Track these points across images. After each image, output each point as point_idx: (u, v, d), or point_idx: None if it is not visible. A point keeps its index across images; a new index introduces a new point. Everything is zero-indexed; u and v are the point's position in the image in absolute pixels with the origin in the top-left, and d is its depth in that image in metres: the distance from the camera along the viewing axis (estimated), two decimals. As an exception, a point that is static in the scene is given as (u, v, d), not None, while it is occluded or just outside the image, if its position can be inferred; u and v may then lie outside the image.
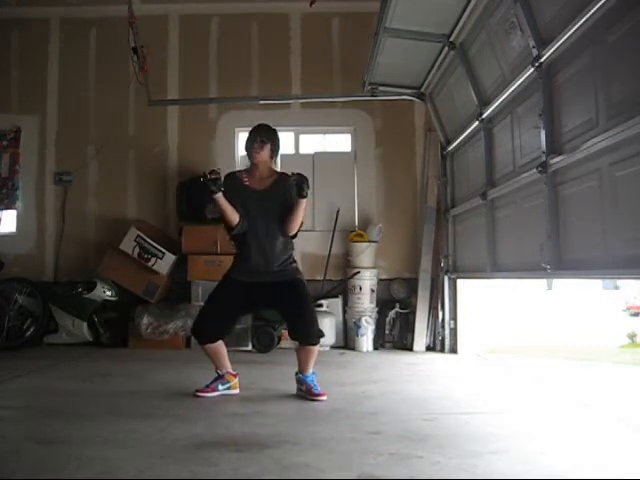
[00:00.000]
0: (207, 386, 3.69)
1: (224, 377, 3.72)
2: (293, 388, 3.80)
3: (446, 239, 6.08)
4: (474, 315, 5.83)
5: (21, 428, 2.87)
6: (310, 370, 3.71)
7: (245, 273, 3.67)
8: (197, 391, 3.66)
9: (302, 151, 6.87)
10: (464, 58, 4.78)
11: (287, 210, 3.61)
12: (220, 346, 3.71)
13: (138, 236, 6.06)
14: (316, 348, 3.72)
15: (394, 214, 6.64)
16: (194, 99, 6.68)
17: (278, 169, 3.87)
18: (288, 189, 3.58)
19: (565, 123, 3.39)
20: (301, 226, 3.72)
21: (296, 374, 3.76)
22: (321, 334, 3.73)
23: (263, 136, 3.66)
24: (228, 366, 3.75)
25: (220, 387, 3.70)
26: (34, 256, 6.66)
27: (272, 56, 6.77)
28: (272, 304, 3.81)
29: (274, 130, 3.75)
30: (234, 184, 3.67)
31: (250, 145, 3.67)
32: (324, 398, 3.56)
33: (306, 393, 3.63)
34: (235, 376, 3.78)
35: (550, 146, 3.50)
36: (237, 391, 3.76)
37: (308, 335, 3.65)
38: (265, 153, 3.66)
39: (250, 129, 3.74)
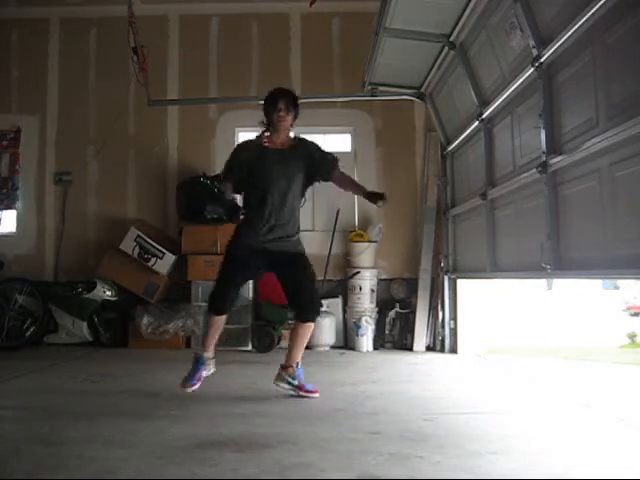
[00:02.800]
0: (192, 378, 3.53)
1: (206, 362, 3.60)
2: (293, 388, 3.82)
3: (446, 239, 6.08)
4: (474, 315, 5.83)
5: (21, 428, 2.87)
6: (299, 358, 3.63)
7: (254, 236, 3.58)
8: (185, 387, 3.51)
9: (302, 151, 6.86)
10: (464, 58, 4.78)
11: (308, 177, 3.67)
12: (223, 321, 3.66)
13: (138, 236, 6.07)
14: (311, 327, 3.64)
15: (394, 214, 6.63)
16: (194, 99, 6.68)
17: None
18: (310, 151, 3.69)
19: (565, 123, 3.39)
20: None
21: (285, 367, 3.62)
22: (319, 308, 3.71)
23: (289, 104, 3.65)
24: (213, 347, 3.67)
25: (204, 374, 3.58)
26: (34, 256, 6.66)
27: (272, 56, 6.77)
28: (275, 271, 3.69)
29: (296, 97, 3.73)
30: (249, 149, 3.71)
31: (275, 112, 3.62)
32: (317, 395, 3.57)
33: (298, 389, 3.58)
34: (214, 358, 3.67)
35: (550, 146, 3.50)
36: (213, 370, 3.64)
37: (308, 309, 3.61)
38: (289, 120, 3.67)
39: (271, 92, 3.69)
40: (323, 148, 3.81)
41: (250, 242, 3.58)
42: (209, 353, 3.63)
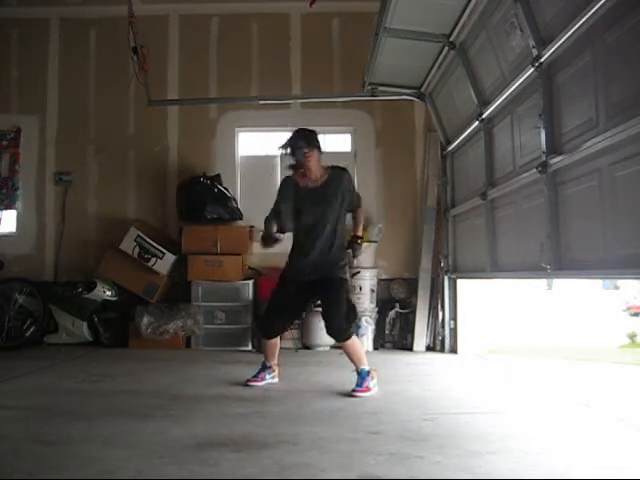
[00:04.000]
0: (256, 376, 4.06)
1: (271, 368, 4.11)
2: (293, 388, 3.84)
3: (446, 239, 6.07)
4: (474, 315, 5.83)
5: (21, 428, 2.87)
6: (361, 365, 3.82)
7: (298, 272, 3.93)
8: (248, 381, 4.02)
9: (302, 151, 6.86)
10: (464, 58, 4.78)
11: (343, 204, 3.93)
12: (277, 341, 4.11)
13: (138, 236, 6.06)
14: (348, 343, 3.83)
15: (394, 214, 6.64)
16: (194, 99, 6.67)
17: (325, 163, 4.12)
18: (342, 184, 3.95)
19: (565, 123, 3.39)
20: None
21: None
22: (345, 330, 3.82)
23: (310, 145, 3.91)
24: (276, 358, 4.14)
25: (267, 377, 4.08)
26: (34, 256, 6.65)
27: (272, 56, 6.77)
28: (318, 296, 4.03)
29: (314, 133, 4.01)
30: (289, 187, 4.03)
31: (299, 153, 3.90)
32: (360, 394, 3.68)
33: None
34: (278, 366, 4.18)
35: (550, 146, 3.50)
36: (277, 380, 4.12)
37: (333, 333, 3.86)
38: (314, 158, 3.93)
39: (292, 133, 4.00)
40: (352, 186, 4.09)
41: (295, 277, 3.93)
42: (274, 362, 4.13)
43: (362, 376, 3.78)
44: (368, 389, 3.74)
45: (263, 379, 4.05)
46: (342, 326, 3.80)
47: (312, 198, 3.90)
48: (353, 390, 3.71)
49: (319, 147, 3.96)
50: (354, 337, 3.87)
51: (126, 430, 2.79)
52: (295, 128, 4.09)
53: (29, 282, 6.03)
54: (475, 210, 5.19)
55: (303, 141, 3.89)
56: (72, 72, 6.83)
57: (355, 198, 4.07)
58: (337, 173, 4.00)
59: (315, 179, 3.96)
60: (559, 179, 3.48)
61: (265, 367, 4.09)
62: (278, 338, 4.11)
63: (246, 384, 3.98)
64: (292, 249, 4.04)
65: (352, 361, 3.86)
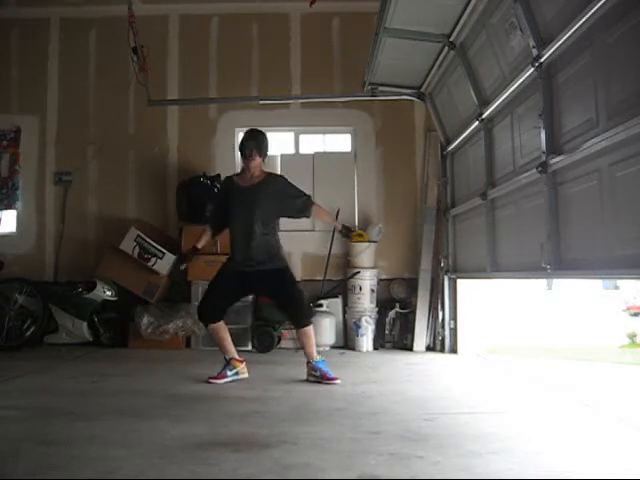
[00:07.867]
0: (218, 373, 4.06)
1: (230, 363, 4.10)
2: (293, 388, 3.82)
3: (446, 239, 6.07)
4: (474, 315, 5.83)
5: (21, 428, 2.87)
6: (315, 355, 4.14)
7: (234, 262, 4.19)
8: (209, 378, 4.02)
9: (302, 151, 6.87)
10: (464, 58, 4.78)
11: (275, 206, 4.17)
12: (223, 330, 4.14)
13: (138, 236, 6.06)
14: (309, 329, 4.13)
15: (394, 214, 6.64)
16: (194, 99, 6.67)
17: (267, 169, 4.42)
18: (277, 188, 4.19)
19: (565, 123, 3.39)
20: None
21: (307, 363, 4.15)
22: (309, 315, 4.21)
23: (253, 147, 4.16)
24: (233, 352, 4.15)
25: (229, 373, 4.07)
26: (34, 256, 6.65)
27: (272, 56, 6.77)
28: (264, 291, 4.38)
29: (262, 136, 4.24)
30: (228, 185, 4.34)
31: (242, 153, 4.20)
32: (338, 382, 3.98)
33: (321, 378, 4.03)
34: (241, 362, 4.17)
35: (550, 146, 3.50)
36: (246, 376, 4.13)
37: (298, 318, 4.14)
38: (256, 160, 4.18)
39: (245, 133, 4.31)
40: (292, 188, 4.27)
41: (232, 266, 4.21)
42: (232, 355, 4.15)
43: (324, 365, 4.12)
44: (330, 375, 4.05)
45: (224, 376, 4.06)
46: (304, 310, 4.20)
47: (242, 197, 4.12)
48: (330, 378, 4.01)
49: (261, 152, 4.17)
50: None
51: (126, 430, 2.79)
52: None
53: (29, 282, 6.02)
54: (475, 210, 5.19)
55: (247, 145, 4.15)
56: (72, 72, 6.83)
57: (304, 200, 4.28)
58: (273, 178, 4.28)
59: (251, 178, 4.19)
60: (559, 179, 3.48)
61: (226, 363, 4.12)
62: (224, 325, 4.16)
63: (207, 382, 4.02)
64: (231, 244, 4.25)
65: (307, 347, 4.14)
